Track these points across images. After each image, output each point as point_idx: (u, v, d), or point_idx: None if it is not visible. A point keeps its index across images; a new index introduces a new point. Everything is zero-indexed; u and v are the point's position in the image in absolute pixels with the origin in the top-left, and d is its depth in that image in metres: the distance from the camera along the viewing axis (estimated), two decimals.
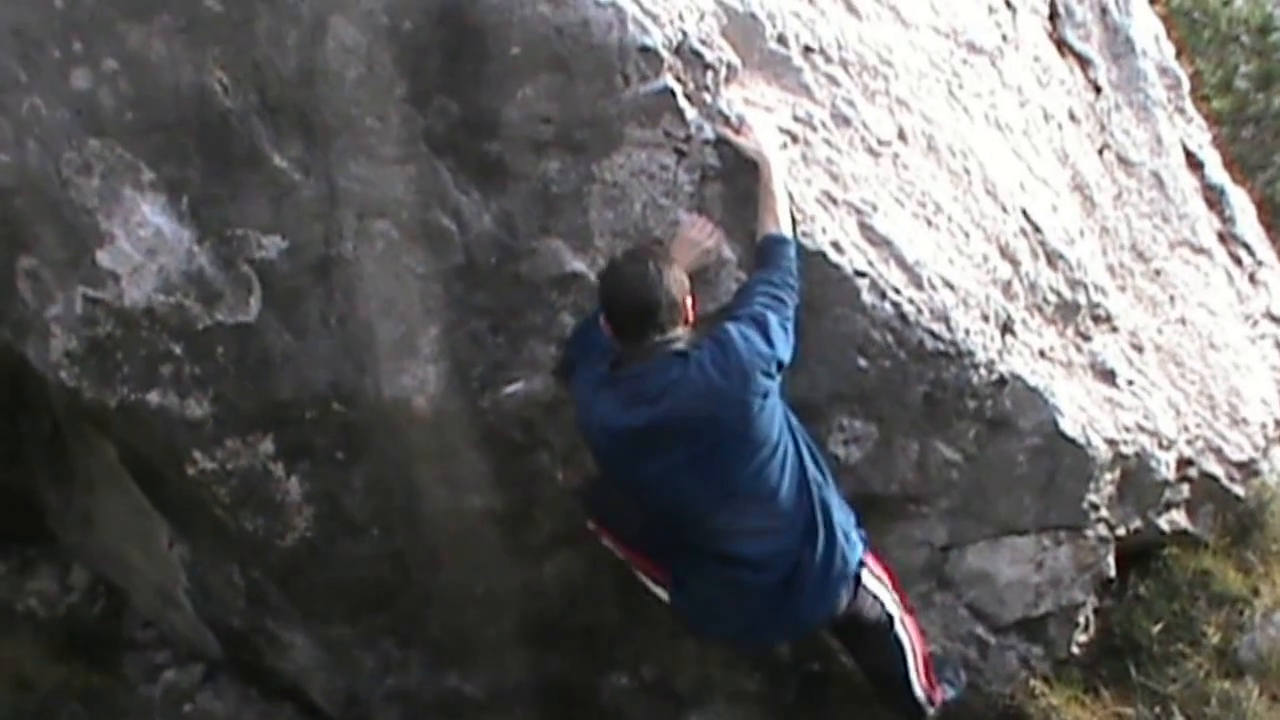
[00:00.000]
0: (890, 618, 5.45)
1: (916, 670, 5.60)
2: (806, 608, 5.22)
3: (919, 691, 5.63)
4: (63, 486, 6.55)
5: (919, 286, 5.51)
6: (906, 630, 5.52)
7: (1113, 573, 6.25)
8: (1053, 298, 5.99)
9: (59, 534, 6.80)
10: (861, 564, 5.27)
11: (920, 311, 5.49)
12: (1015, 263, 5.86)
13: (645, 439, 4.94)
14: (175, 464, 5.55)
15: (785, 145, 5.38)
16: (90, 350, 5.39)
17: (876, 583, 5.38)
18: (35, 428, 6.37)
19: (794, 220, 5.25)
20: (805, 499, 5.11)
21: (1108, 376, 6.13)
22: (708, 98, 5.26)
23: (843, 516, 5.24)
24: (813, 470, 5.15)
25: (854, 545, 5.24)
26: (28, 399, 6.13)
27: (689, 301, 5.03)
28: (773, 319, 5.02)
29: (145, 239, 5.25)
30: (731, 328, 4.99)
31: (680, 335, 5.00)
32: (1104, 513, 6.07)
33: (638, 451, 4.98)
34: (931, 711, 5.72)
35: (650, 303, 4.94)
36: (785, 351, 5.03)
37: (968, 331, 5.59)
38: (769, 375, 4.97)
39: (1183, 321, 6.68)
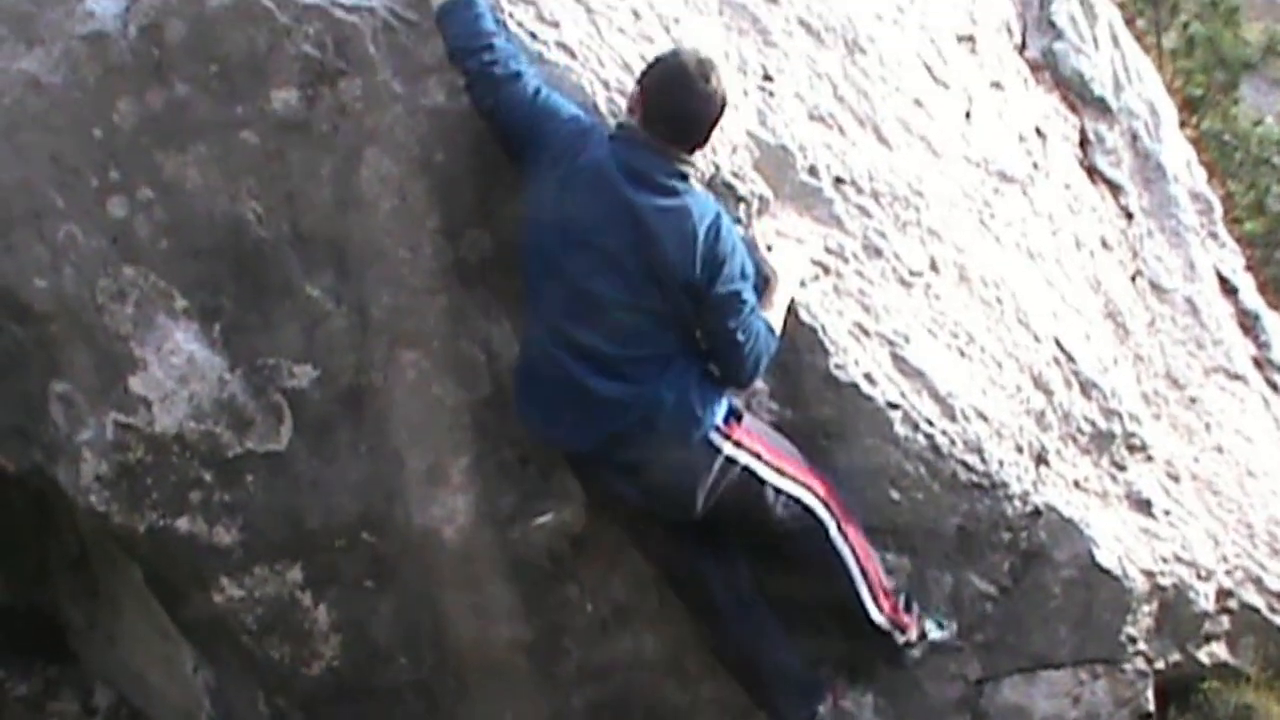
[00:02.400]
0: (820, 525, 5.28)
1: (870, 590, 5.40)
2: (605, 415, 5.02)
3: (876, 615, 5.43)
4: (87, 608, 6.55)
5: (952, 418, 5.53)
6: (847, 541, 5.33)
7: (1151, 707, 6.18)
8: (1087, 427, 6.00)
9: (83, 655, 6.79)
10: (727, 437, 5.08)
11: (953, 443, 5.52)
12: (1049, 393, 5.89)
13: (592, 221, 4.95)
14: (202, 590, 5.54)
15: (817, 276, 5.43)
16: (120, 475, 5.40)
17: (774, 474, 5.18)
18: (61, 549, 6.39)
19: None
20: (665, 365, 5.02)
21: (1144, 506, 6.13)
22: (741, 230, 5.30)
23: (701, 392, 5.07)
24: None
25: (707, 412, 5.05)
26: (55, 520, 6.15)
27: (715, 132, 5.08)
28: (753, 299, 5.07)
29: (177, 366, 5.28)
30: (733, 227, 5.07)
31: (693, 165, 5.04)
32: (1142, 645, 6.03)
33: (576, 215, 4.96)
34: (903, 639, 5.52)
35: (711, 100, 4.98)
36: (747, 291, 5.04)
37: (1001, 463, 5.61)
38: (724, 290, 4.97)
39: (1219, 449, 6.68)
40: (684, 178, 4.99)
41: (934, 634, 5.64)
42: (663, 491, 5.13)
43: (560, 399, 5.04)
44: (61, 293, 5.28)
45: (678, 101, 4.98)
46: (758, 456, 5.17)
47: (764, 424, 5.33)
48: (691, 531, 5.30)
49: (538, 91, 5.02)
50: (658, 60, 5.08)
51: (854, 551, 5.37)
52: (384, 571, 5.48)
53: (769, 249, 5.34)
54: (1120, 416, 6.12)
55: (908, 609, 5.54)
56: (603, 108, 5.16)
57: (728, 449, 5.10)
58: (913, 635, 5.56)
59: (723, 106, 5.01)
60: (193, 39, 5.12)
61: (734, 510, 5.21)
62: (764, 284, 5.21)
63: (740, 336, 5.01)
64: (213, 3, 5.10)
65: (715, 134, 5.09)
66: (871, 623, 5.45)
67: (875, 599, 5.42)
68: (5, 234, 5.26)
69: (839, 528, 5.33)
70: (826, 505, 5.30)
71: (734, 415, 5.14)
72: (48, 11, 5.22)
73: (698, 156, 5.08)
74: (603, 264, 4.93)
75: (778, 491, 5.21)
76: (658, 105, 4.98)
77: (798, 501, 5.25)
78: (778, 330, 5.16)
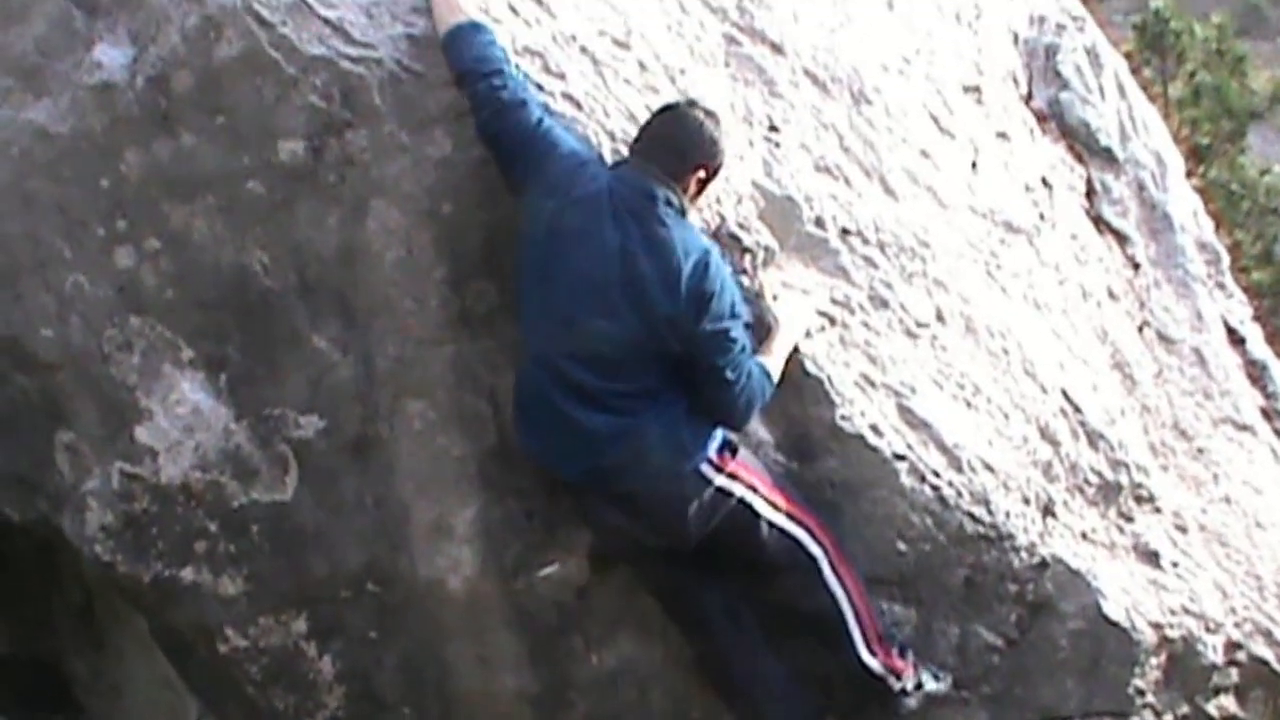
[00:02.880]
0: (813, 560, 5.26)
1: (862, 632, 5.34)
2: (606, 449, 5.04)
3: (869, 659, 5.36)
4: (92, 658, 6.53)
5: (958, 469, 5.53)
6: (840, 580, 5.31)
7: None
8: (1094, 479, 5.99)
9: (87, 706, 6.77)
10: (719, 469, 5.08)
11: (960, 494, 5.51)
12: (1056, 444, 5.88)
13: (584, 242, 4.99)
14: (207, 640, 5.54)
15: (823, 327, 5.44)
16: (126, 525, 5.40)
17: (769, 508, 5.18)
18: (66, 599, 6.38)
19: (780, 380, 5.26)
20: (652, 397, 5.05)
21: (1151, 558, 6.10)
22: (746, 280, 5.32)
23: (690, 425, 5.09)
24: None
25: (697, 444, 5.07)
26: (60, 570, 6.14)
27: (701, 174, 5.06)
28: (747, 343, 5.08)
29: (183, 416, 5.29)
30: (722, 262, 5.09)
31: (684, 203, 5.03)
32: (1150, 698, 6.00)
33: (570, 237, 5.00)
34: (898, 685, 5.44)
35: (690, 123, 5.06)
36: (740, 334, 5.05)
37: (1008, 514, 5.61)
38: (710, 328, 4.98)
39: (1227, 500, 6.65)
40: (675, 209, 5.01)
41: (930, 685, 5.57)
42: (655, 522, 5.14)
43: (549, 426, 5.08)
44: (68, 342, 5.30)
45: (662, 122, 5.09)
46: (754, 489, 5.17)
47: (761, 461, 5.32)
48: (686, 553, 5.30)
49: (540, 121, 5.07)
50: None
51: (846, 591, 5.33)
52: (389, 622, 5.47)
53: (774, 299, 5.36)
54: (1128, 467, 6.11)
55: (902, 655, 5.49)
56: (608, 159, 5.17)
57: (720, 480, 5.11)
58: (908, 682, 5.49)
59: (708, 140, 5.06)
60: (200, 90, 5.15)
61: (727, 541, 5.21)
62: (766, 332, 5.25)
63: (730, 375, 5.02)
64: (220, 54, 5.13)
65: (704, 179, 5.08)
66: (863, 665, 5.39)
67: (867, 642, 5.37)
68: (12, 283, 5.29)
69: (832, 566, 5.30)
70: (820, 542, 5.29)
71: (728, 448, 5.14)
72: (55, 62, 5.26)
73: (696, 214, 5.13)
74: (590, 296, 4.97)
75: (771, 525, 5.21)
76: (646, 127, 5.12)
77: (790, 536, 5.24)
78: (775, 376, 5.18)
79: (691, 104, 5.20)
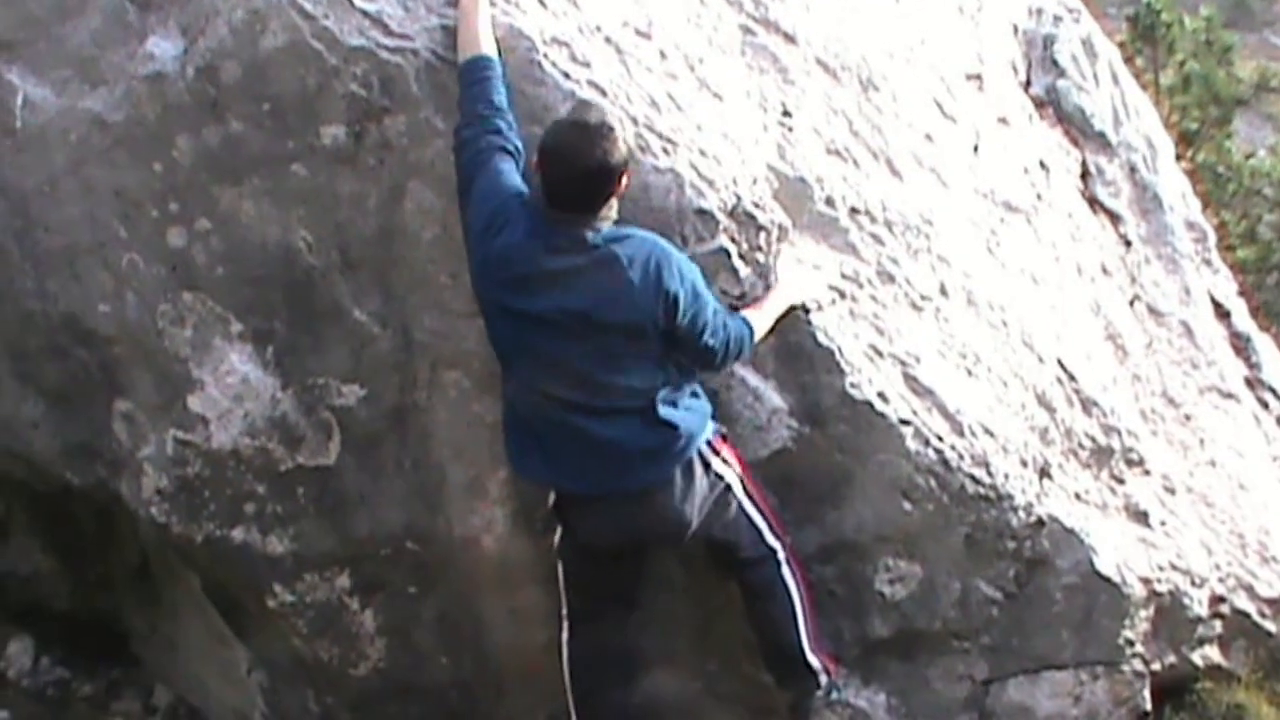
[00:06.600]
0: (772, 551, 5.29)
1: (805, 628, 5.36)
2: (626, 461, 5.01)
3: (810, 656, 5.38)
4: (148, 613, 6.57)
5: (960, 434, 5.55)
6: (794, 574, 5.34)
7: (1148, 706, 6.15)
8: (1088, 443, 6.00)
9: (144, 658, 6.82)
10: (715, 453, 5.12)
11: (962, 457, 5.53)
12: (1052, 410, 5.89)
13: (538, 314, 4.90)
14: (256, 596, 5.59)
15: (834, 300, 5.46)
16: (180, 489, 5.45)
17: (746, 499, 5.22)
18: (124, 559, 6.42)
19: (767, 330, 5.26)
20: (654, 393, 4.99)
21: (1141, 517, 6.12)
22: (760, 257, 5.35)
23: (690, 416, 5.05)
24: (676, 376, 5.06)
25: (700, 429, 5.06)
26: (118, 532, 6.18)
27: (624, 181, 4.94)
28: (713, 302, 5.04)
29: (233, 386, 5.33)
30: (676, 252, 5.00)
31: (609, 215, 4.94)
32: (1139, 648, 6.02)
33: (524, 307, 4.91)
34: (825, 684, 5.43)
35: (594, 173, 4.86)
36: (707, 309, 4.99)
37: (1007, 476, 5.62)
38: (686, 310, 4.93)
39: (1213, 464, 6.65)
40: (604, 232, 4.93)
41: (835, 695, 5.52)
42: (661, 515, 5.11)
43: (560, 443, 5.03)
44: (124, 318, 5.34)
45: (572, 178, 4.88)
46: (740, 479, 5.22)
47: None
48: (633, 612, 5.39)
49: (492, 160, 4.98)
50: (555, 127, 5.00)
51: (799, 586, 5.36)
52: (427, 578, 5.52)
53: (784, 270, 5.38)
54: (1119, 433, 6.12)
55: (834, 659, 5.50)
56: (630, 143, 5.17)
57: (716, 464, 5.14)
58: (835, 674, 5.48)
59: (617, 164, 4.89)
60: (247, 79, 5.18)
61: (709, 528, 5.20)
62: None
63: (711, 342, 5.01)
64: (265, 45, 5.16)
65: (626, 181, 4.99)
66: (804, 656, 5.39)
67: (809, 635, 5.38)
68: (71, 263, 5.33)
69: (788, 561, 5.33)
70: (779, 537, 5.33)
71: (719, 433, 5.18)
72: (110, 53, 5.30)
73: (610, 207, 4.98)
74: (557, 331, 4.90)
75: (741, 509, 5.23)
76: (555, 181, 4.90)
77: (754, 525, 5.27)
78: (760, 330, 5.17)
79: (581, 126, 4.91)
